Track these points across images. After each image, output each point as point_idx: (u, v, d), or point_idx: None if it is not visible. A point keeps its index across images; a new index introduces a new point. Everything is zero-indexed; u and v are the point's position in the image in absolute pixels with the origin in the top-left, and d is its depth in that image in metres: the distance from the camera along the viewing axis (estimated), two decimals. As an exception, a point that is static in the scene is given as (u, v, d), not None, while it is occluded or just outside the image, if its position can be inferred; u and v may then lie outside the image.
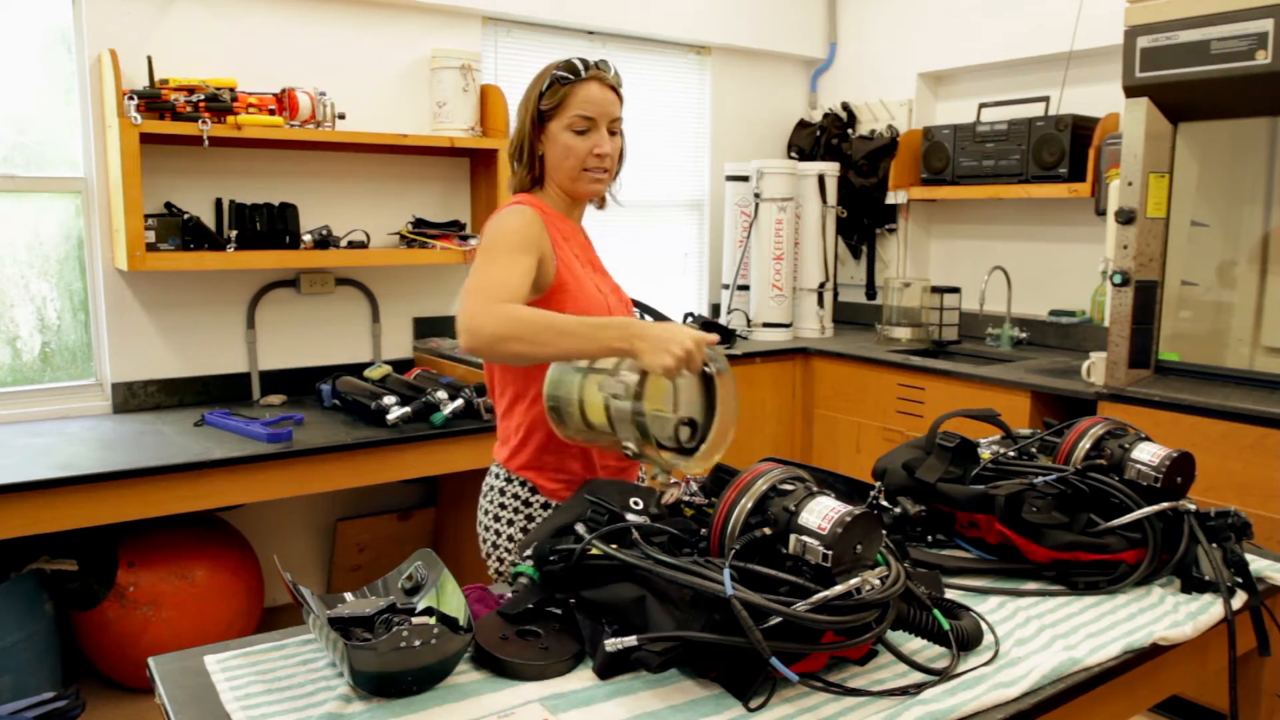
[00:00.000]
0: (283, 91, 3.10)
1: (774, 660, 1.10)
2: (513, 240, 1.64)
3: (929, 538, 1.70)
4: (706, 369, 1.46)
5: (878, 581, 1.17)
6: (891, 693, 1.18)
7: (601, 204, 1.88)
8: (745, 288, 4.31)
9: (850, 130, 4.65)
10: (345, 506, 3.61)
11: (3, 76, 2.94)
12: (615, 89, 1.77)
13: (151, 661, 1.26)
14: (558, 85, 1.73)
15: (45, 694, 1.74)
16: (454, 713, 1.13)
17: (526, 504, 1.78)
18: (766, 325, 4.24)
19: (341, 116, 3.25)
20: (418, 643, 1.14)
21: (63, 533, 2.79)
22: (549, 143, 1.76)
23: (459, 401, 2.98)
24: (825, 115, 4.67)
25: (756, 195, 4.17)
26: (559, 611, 1.33)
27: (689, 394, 1.48)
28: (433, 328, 3.72)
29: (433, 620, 1.22)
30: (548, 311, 1.53)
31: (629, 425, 1.42)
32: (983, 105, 4.13)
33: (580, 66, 1.73)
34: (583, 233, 1.88)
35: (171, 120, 2.85)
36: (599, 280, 1.82)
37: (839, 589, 1.14)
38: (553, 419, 1.58)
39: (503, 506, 1.80)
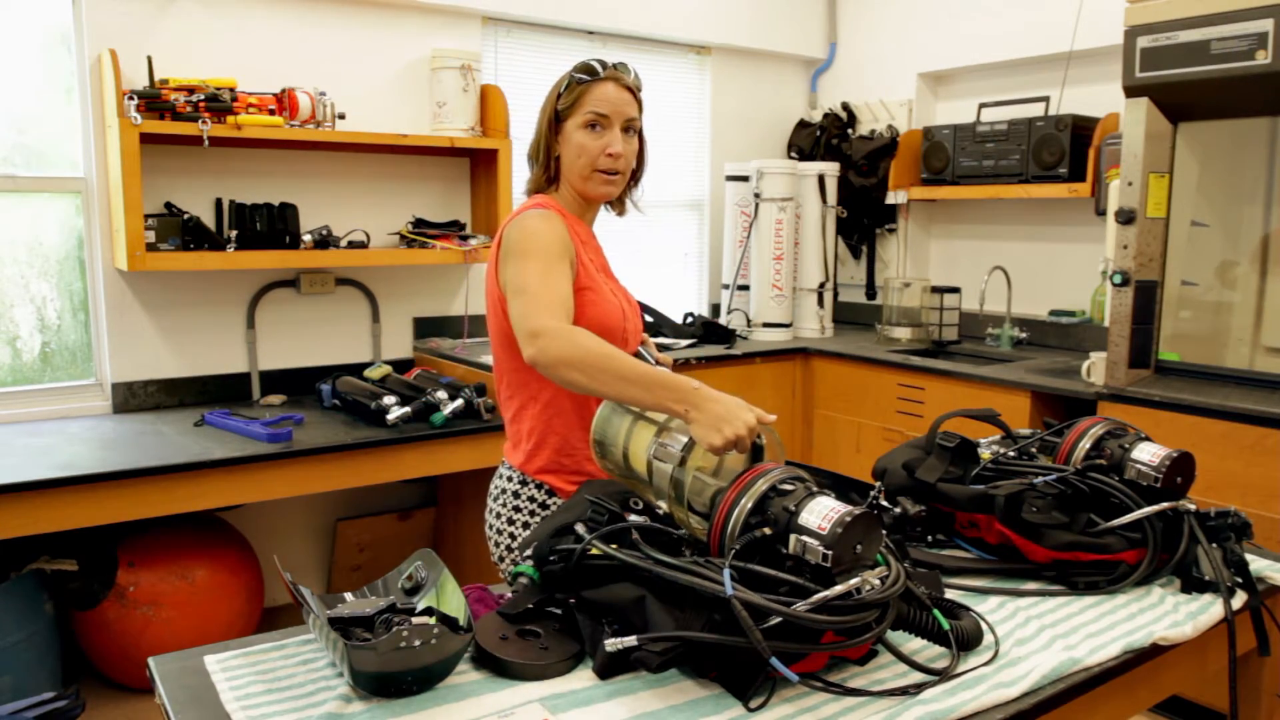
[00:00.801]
0: (283, 91, 3.10)
1: (774, 660, 1.10)
2: (555, 247, 1.64)
3: (929, 538, 1.70)
4: (757, 441, 1.44)
5: (878, 581, 1.17)
6: (891, 693, 1.18)
7: (621, 210, 1.87)
8: (745, 288, 4.31)
9: (850, 130, 4.65)
10: (345, 506, 3.61)
11: (3, 76, 2.94)
12: (633, 91, 1.76)
13: (151, 661, 1.26)
14: (575, 85, 1.73)
15: (45, 694, 1.74)
16: (454, 713, 1.13)
17: (544, 506, 1.78)
18: (766, 325, 4.24)
19: (341, 116, 3.25)
20: (418, 643, 1.14)
21: (63, 533, 2.79)
22: (564, 143, 1.75)
23: (459, 401, 2.98)
24: (825, 115, 4.67)
25: (756, 195, 4.17)
26: (559, 611, 1.33)
27: (734, 463, 1.46)
28: (433, 328, 3.72)
29: (433, 620, 1.22)
30: (611, 349, 1.49)
31: (667, 483, 1.42)
32: (983, 105, 4.13)
33: (598, 67, 1.73)
34: (594, 237, 1.88)
35: (171, 120, 2.85)
36: (612, 285, 1.82)
37: (839, 589, 1.14)
38: (596, 452, 1.57)
39: (517, 509, 1.79)
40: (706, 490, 1.37)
